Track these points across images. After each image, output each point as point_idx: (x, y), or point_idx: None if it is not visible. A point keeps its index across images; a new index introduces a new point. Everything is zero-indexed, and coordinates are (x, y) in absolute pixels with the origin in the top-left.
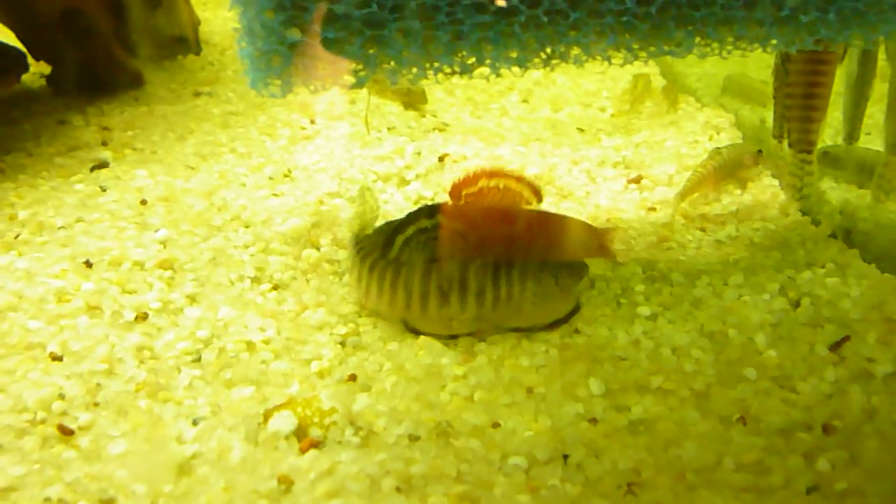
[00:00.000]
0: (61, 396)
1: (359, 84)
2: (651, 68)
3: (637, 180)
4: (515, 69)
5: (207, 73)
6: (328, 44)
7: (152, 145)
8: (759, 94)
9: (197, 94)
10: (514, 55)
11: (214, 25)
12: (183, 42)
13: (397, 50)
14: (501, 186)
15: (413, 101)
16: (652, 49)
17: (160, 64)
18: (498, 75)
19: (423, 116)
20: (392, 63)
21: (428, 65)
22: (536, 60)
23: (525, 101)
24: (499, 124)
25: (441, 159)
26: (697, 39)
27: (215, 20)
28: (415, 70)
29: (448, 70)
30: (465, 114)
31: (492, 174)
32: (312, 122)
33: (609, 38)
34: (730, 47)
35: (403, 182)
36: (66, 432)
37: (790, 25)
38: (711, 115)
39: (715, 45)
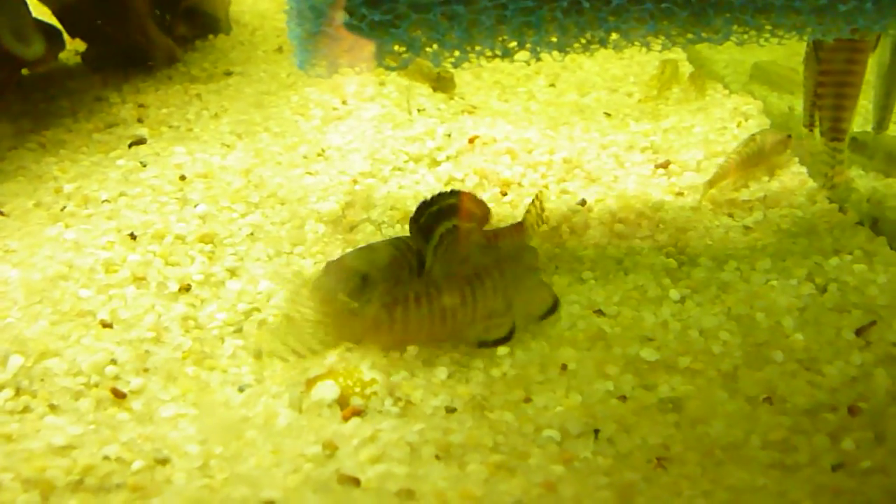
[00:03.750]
0: (113, 361)
1: (402, 66)
2: (678, 54)
3: (665, 165)
4: (555, 54)
5: (238, 52)
6: (374, 26)
7: (188, 123)
8: (787, 82)
9: (229, 74)
10: (555, 40)
11: (245, 5)
12: (214, 21)
13: (441, 33)
14: None
15: (442, 85)
16: (690, 36)
17: (192, 43)
18: (538, 59)
19: (452, 99)
20: (435, 46)
21: (470, 48)
22: (576, 45)
23: (552, 85)
24: (526, 108)
25: (471, 141)
26: (735, 27)
27: (245, 0)
28: (457, 53)
29: (489, 53)
30: (492, 97)
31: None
32: (344, 102)
33: (648, 25)
34: (767, 35)
35: (434, 163)
36: (118, 395)
37: (828, 14)
38: (740, 101)
39: (752, 32)
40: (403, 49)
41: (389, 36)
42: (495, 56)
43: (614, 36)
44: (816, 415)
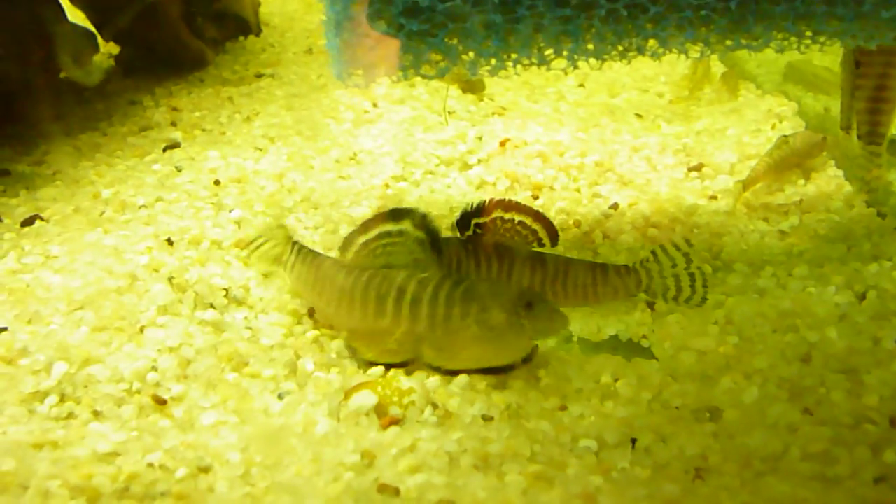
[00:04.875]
0: (154, 368)
1: (440, 74)
2: None
3: (698, 168)
4: (592, 61)
5: (269, 54)
6: (412, 36)
7: (220, 126)
8: (822, 82)
9: (259, 76)
10: (592, 48)
11: (274, 7)
12: (244, 24)
13: (478, 42)
14: (516, 221)
15: (471, 86)
16: (729, 43)
17: (222, 45)
18: (575, 67)
19: (482, 100)
20: (472, 54)
21: (506, 56)
22: (614, 53)
23: (581, 85)
24: (556, 109)
25: (502, 144)
26: (775, 34)
27: (274, 1)
28: (494, 61)
29: (526, 61)
30: (521, 98)
31: (508, 207)
32: (375, 105)
33: (687, 32)
34: (808, 42)
35: (466, 167)
36: (160, 402)
37: (871, 21)
38: (774, 102)
39: (793, 39)
40: (440, 58)
41: (427, 45)
42: (532, 64)
43: (652, 43)
44: (857, 426)
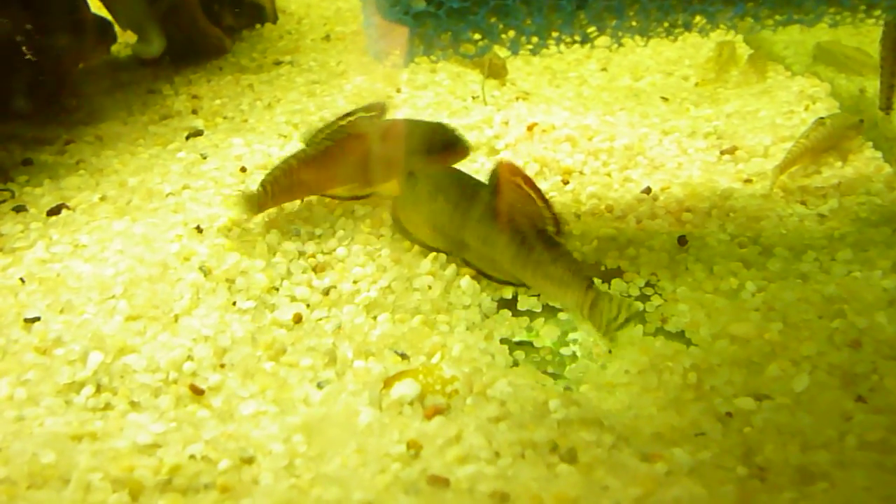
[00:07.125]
0: (190, 358)
1: (479, 54)
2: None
3: (731, 151)
4: (638, 39)
5: (286, 42)
6: (452, 13)
7: (242, 114)
8: (853, 63)
9: (278, 64)
10: (636, 24)
11: None
12: (261, 11)
13: (520, 19)
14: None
15: (494, 71)
16: (780, 18)
17: (239, 33)
18: (620, 45)
19: (504, 85)
20: (512, 33)
21: (548, 34)
22: (659, 30)
23: (604, 69)
24: (579, 93)
25: (530, 129)
26: (827, 7)
27: None
28: (535, 39)
29: (568, 39)
30: (543, 83)
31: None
32: (398, 91)
33: (737, 7)
34: (861, 16)
35: (493, 151)
36: (197, 392)
37: None
38: (805, 84)
39: (846, 14)
40: (480, 36)
41: (466, 23)
42: (574, 42)
43: (699, 19)
44: None
